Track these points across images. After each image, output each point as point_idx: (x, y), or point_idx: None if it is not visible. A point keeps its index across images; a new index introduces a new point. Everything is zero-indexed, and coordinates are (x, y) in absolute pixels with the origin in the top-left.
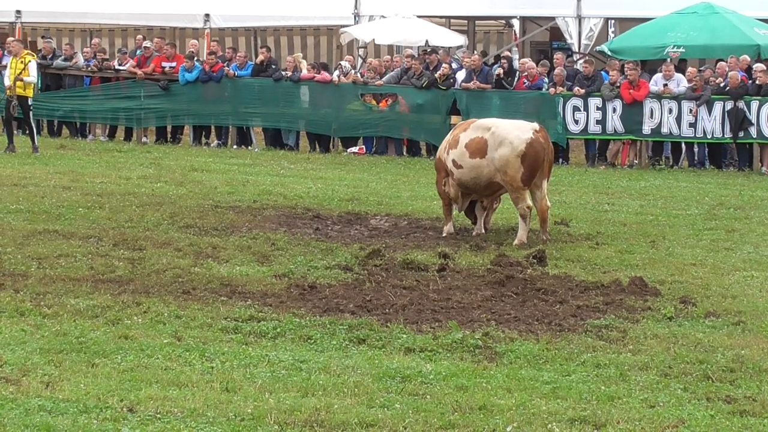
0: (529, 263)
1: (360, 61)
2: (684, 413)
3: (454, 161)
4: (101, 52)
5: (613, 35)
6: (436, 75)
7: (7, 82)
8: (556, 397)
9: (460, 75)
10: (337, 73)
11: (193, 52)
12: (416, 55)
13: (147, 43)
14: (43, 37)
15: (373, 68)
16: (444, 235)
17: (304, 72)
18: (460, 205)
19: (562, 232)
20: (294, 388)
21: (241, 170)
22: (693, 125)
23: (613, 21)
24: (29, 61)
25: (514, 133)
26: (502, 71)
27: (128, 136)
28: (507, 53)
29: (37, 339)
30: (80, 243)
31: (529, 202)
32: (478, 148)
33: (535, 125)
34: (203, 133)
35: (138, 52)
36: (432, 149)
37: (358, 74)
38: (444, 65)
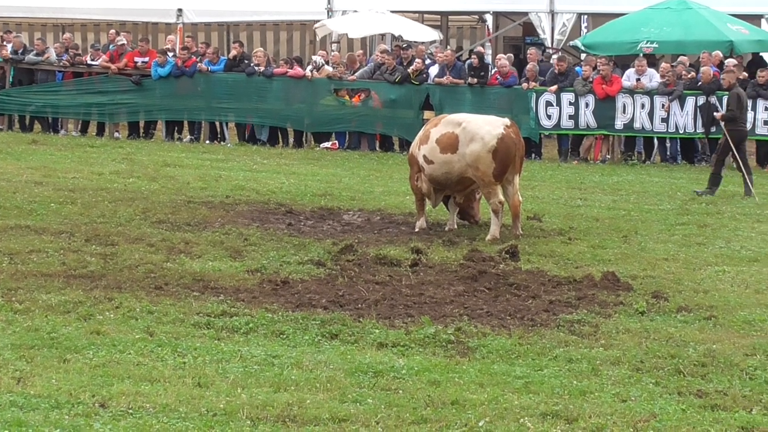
0: (502, 258)
1: (333, 56)
2: (656, 407)
3: (425, 156)
4: (73, 48)
5: (586, 30)
6: (409, 70)
7: None
8: (528, 391)
9: (434, 70)
10: (310, 68)
11: (169, 48)
12: (390, 51)
13: (121, 39)
14: (8, 32)
15: (341, 62)
16: (417, 230)
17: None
18: (433, 200)
19: (535, 228)
20: (266, 383)
21: (213, 165)
22: (665, 120)
23: (586, 16)
24: None
25: (485, 128)
26: (477, 60)
27: (101, 131)
28: (480, 48)
29: (9, 335)
30: (52, 238)
31: (501, 198)
32: (449, 144)
33: (506, 120)
34: (176, 128)
35: (111, 47)
36: (405, 144)
37: (331, 68)
38: (417, 60)
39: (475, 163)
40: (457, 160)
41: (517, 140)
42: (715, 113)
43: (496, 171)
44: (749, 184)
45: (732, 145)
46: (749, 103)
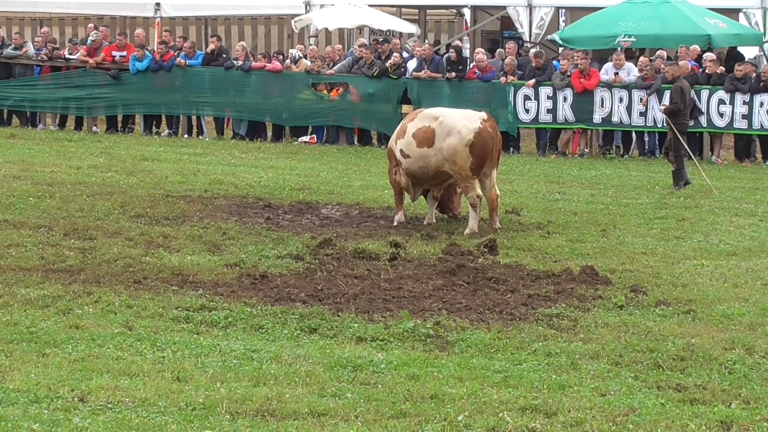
0: (480, 252)
1: (311, 49)
2: (635, 401)
3: (402, 151)
4: (51, 42)
5: (564, 24)
6: (387, 64)
7: None
8: (507, 385)
9: (411, 64)
10: (287, 62)
11: (142, 44)
12: (368, 45)
13: (93, 35)
14: None
15: (318, 56)
16: (395, 224)
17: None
18: (412, 194)
19: (513, 221)
20: (245, 377)
21: (192, 159)
22: (643, 114)
23: (564, 10)
24: None
25: (462, 122)
26: (455, 54)
27: (79, 125)
28: (457, 42)
29: None
30: (30, 232)
31: (479, 191)
32: (426, 138)
33: (483, 114)
34: (154, 122)
35: (88, 41)
36: (383, 138)
37: (309, 62)
38: (395, 54)
39: (452, 157)
40: (434, 154)
41: (494, 134)
42: (658, 106)
43: (473, 165)
44: (682, 176)
45: (681, 137)
46: (729, 96)
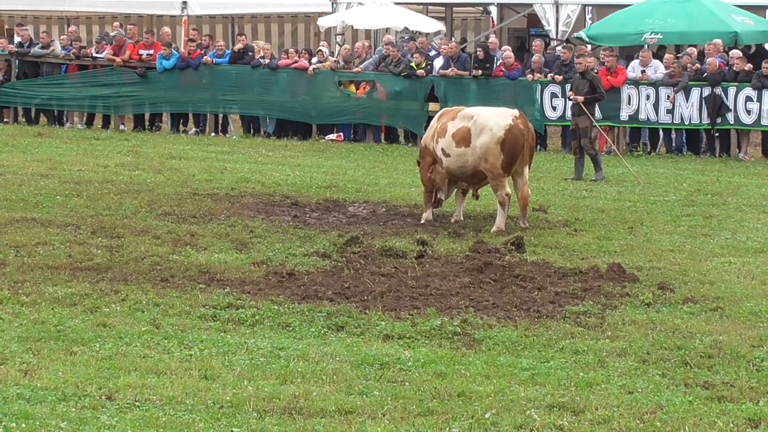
0: (508, 250)
1: (338, 48)
2: (662, 399)
3: (443, 150)
4: (77, 40)
5: (590, 22)
6: (413, 63)
7: None
8: (534, 383)
9: (438, 62)
10: (315, 59)
11: (168, 40)
12: (395, 43)
13: (116, 32)
14: (19, 25)
15: (347, 56)
16: (423, 221)
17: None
18: (446, 193)
19: (540, 219)
20: (273, 375)
21: (219, 158)
22: (670, 111)
23: (590, 7)
24: None
25: (494, 120)
26: (482, 52)
27: (106, 123)
28: (494, 40)
29: (15, 327)
30: (58, 231)
31: (508, 190)
32: (463, 137)
33: (515, 111)
34: (181, 120)
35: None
36: (410, 136)
37: (336, 61)
38: (416, 55)
39: (485, 155)
40: (470, 153)
41: (525, 131)
42: (574, 96)
43: (504, 162)
44: (582, 169)
45: (599, 127)
46: (756, 94)
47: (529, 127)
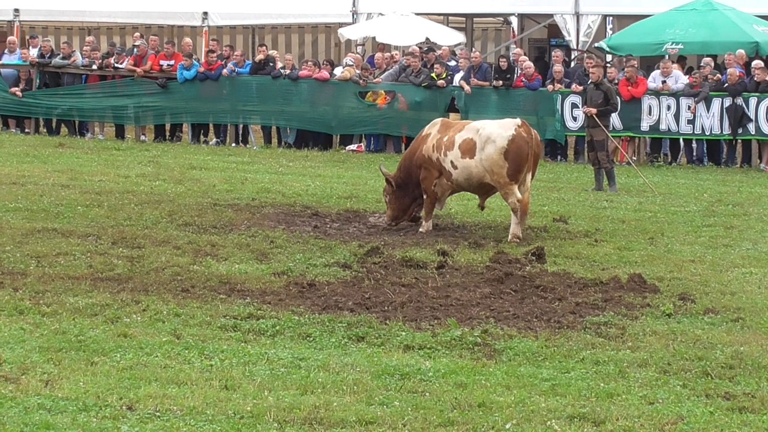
0: (528, 260)
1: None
2: (683, 410)
3: (452, 162)
4: (95, 50)
5: (611, 32)
6: (432, 74)
7: None
8: (555, 394)
9: (459, 72)
10: (340, 69)
11: (189, 51)
12: (416, 53)
13: (140, 42)
14: (32, 37)
15: (365, 68)
16: (422, 231)
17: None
18: (442, 204)
19: (561, 229)
20: (293, 385)
21: (239, 168)
22: (691, 122)
23: (611, 18)
24: None
25: (497, 131)
26: (505, 62)
27: (119, 132)
28: (518, 50)
29: (37, 337)
30: (79, 241)
31: (519, 196)
32: (468, 149)
33: (518, 120)
34: (201, 131)
35: (134, 50)
36: None
37: (356, 71)
38: (436, 66)
39: (490, 167)
40: (475, 165)
41: (529, 139)
42: (587, 108)
43: (510, 171)
44: (602, 180)
45: (610, 137)
46: None
47: (533, 134)
